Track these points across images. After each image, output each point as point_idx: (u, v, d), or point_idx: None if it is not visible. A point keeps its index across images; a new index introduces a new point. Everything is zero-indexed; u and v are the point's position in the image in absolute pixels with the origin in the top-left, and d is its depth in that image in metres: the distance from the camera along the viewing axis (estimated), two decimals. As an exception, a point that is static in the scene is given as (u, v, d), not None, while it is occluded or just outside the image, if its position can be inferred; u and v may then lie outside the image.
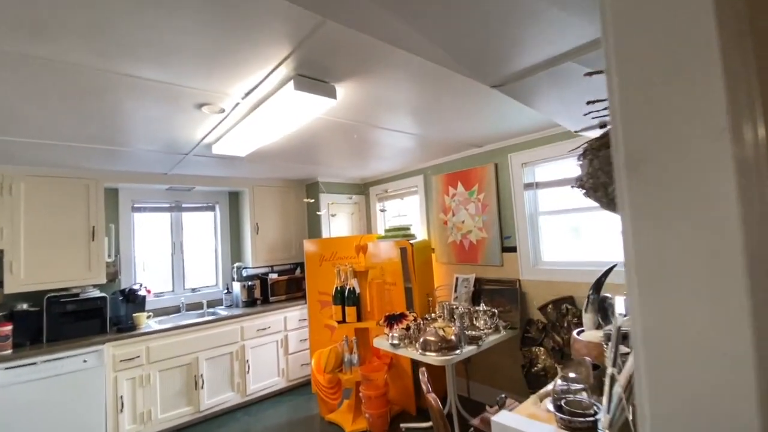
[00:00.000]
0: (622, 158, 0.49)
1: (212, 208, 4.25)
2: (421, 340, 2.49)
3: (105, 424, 2.78)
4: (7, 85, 1.52)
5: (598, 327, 1.69)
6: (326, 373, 3.07)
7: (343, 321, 3.03)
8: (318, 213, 4.19)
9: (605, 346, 1.41)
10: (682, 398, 0.42)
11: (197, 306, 3.86)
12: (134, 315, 3.16)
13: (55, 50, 1.29)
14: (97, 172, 3.15)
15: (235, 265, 4.03)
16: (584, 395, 1.27)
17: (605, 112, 1.04)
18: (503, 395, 1.59)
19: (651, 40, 0.47)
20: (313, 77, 1.64)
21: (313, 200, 4.30)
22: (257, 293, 3.90)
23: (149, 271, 3.76)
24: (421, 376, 1.86)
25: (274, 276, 4.04)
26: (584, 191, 1.01)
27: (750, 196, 0.39)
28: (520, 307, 2.95)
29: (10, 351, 2.59)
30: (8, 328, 2.63)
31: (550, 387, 1.53)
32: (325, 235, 4.21)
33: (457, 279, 3.41)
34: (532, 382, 2.86)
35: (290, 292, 4.10)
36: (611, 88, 0.50)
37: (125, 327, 3.05)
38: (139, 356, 2.95)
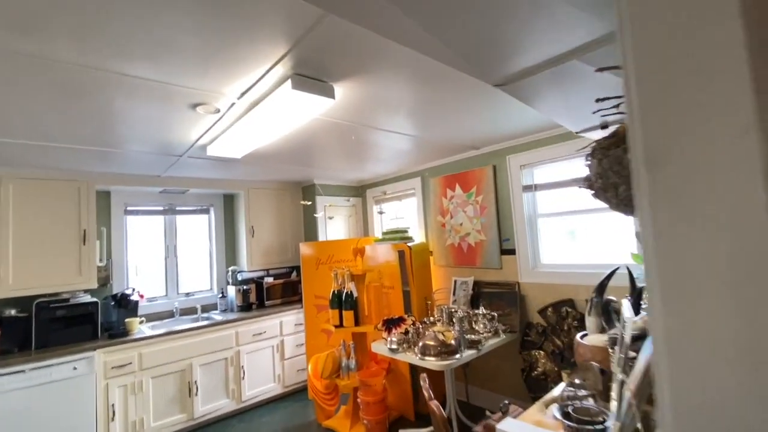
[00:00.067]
0: (641, 157, 0.47)
1: (207, 211, 4.19)
2: (421, 344, 2.45)
3: (95, 433, 2.70)
4: (-7, 83, 1.47)
5: (602, 331, 1.66)
6: (323, 379, 3.02)
7: (341, 325, 2.98)
8: (315, 215, 4.15)
9: (611, 350, 1.37)
10: (708, 404, 0.40)
11: (191, 311, 3.79)
12: (126, 320, 3.09)
13: (41, 46, 1.25)
14: (88, 174, 3.09)
15: (230, 268, 3.97)
16: (591, 401, 1.24)
17: (614, 110, 1.01)
18: (506, 401, 1.55)
19: (671, 33, 0.45)
20: (311, 76, 1.60)
21: (310, 203, 4.25)
22: (252, 297, 3.85)
23: (142, 276, 3.69)
24: (422, 383, 1.82)
25: (269, 280, 3.98)
26: (593, 192, 0.98)
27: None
28: (520, 310, 2.92)
29: (-4, 358, 2.51)
30: (-5, 334, 2.56)
31: (555, 393, 1.49)
32: (321, 238, 4.16)
33: (455, 282, 3.37)
34: (532, 387, 2.83)
35: (286, 296, 4.05)
36: (628, 83, 0.48)
37: (117, 333, 2.98)
38: (131, 363, 2.88)
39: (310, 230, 4.30)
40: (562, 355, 2.66)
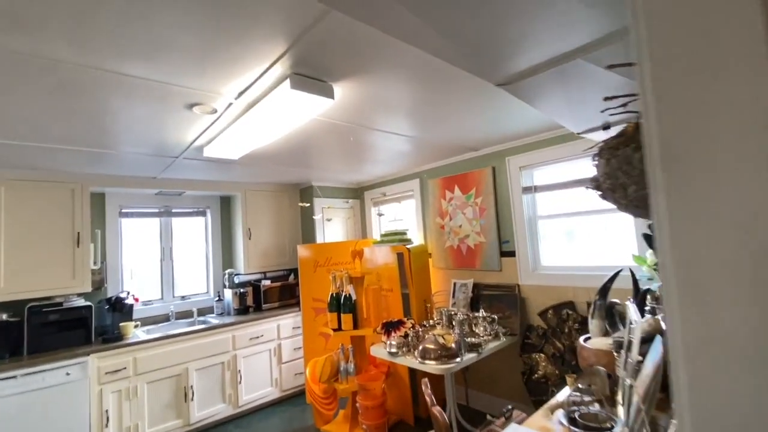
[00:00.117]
0: (657, 155, 0.45)
1: (203, 213, 4.14)
2: (420, 348, 2.42)
3: (89, 440, 2.65)
4: (-16, 82, 1.43)
5: (606, 334, 1.63)
6: (321, 383, 2.97)
7: (339, 329, 2.94)
8: (314, 217, 4.11)
9: (616, 354, 1.35)
10: (727, 407, 0.39)
11: (187, 314, 3.73)
12: (121, 324, 3.04)
13: (34, 44, 1.21)
14: (82, 175, 3.04)
15: (227, 271, 3.92)
16: (597, 406, 1.21)
17: (622, 109, 0.99)
18: (510, 406, 1.52)
19: (689, 27, 0.43)
20: (310, 76, 1.57)
21: (307, 204, 4.21)
22: (249, 300, 3.80)
23: (137, 279, 3.63)
24: (424, 388, 1.79)
25: (267, 283, 3.94)
26: (600, 193, 0.96)
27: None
28: (520, 312, 2.90)
29: (-13, 364, 2.45)
30: (-14, 339, 2.50)
31: (560, 398, 1.47)
32: (319, 240, 4.12)
33: (454, 284, 3.35)
34: (532, 390, 2.80)
35: (284, 299, 4.00)
36: (643, 80, 0.46)
37: (111, 337, 2.93)
38: (125, 368, 2.83)
39: (307, 232, 4.26)
40: (563, 358, 2.63)
